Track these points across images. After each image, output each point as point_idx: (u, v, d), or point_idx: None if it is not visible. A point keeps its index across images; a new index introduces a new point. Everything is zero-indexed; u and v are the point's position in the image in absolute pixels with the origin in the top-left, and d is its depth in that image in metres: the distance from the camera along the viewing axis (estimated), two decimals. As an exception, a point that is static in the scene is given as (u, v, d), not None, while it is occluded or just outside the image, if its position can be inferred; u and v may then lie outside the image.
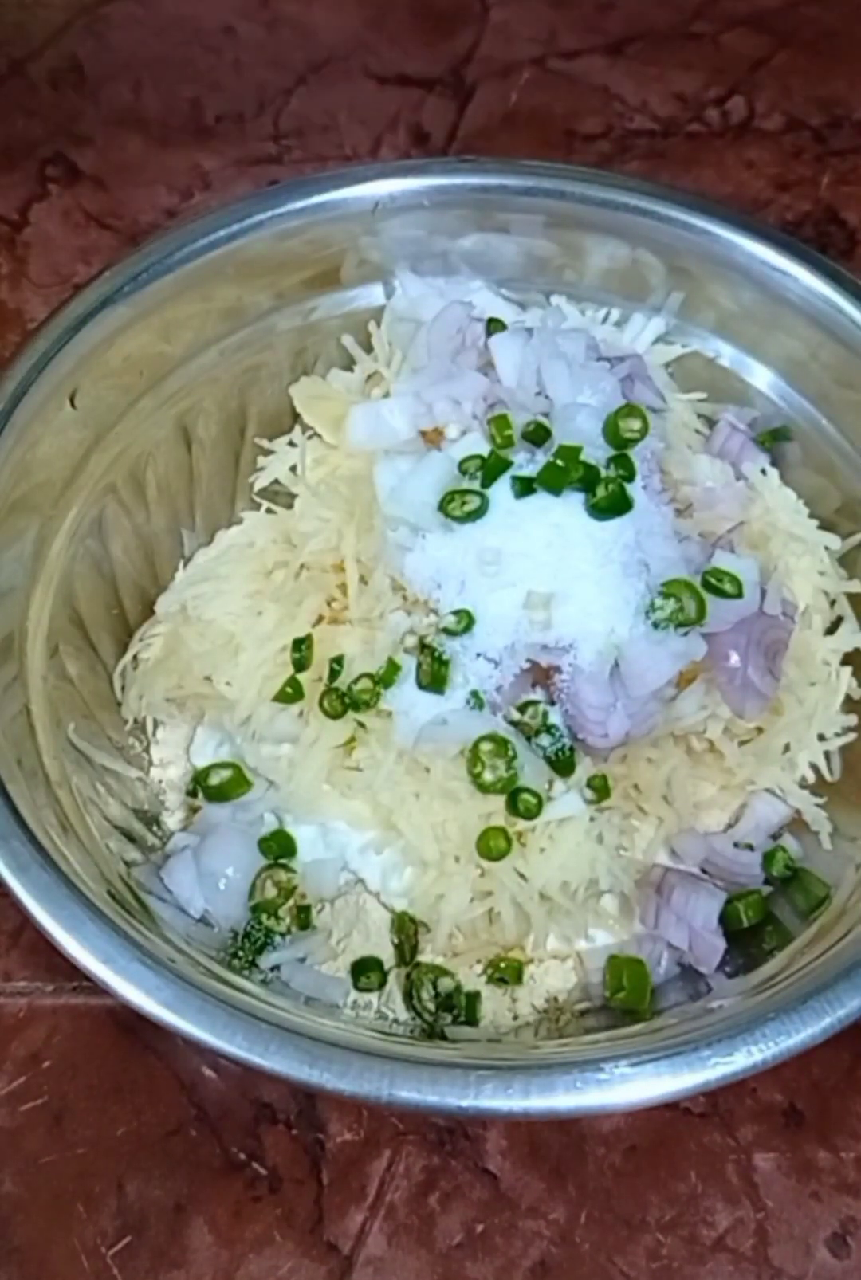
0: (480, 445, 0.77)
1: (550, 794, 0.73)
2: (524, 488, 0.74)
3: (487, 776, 0.71)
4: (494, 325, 0.83)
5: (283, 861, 0.75)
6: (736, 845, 0.76)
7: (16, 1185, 0.70)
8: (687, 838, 0.75)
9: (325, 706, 0.74)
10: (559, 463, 0.73)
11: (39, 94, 1.22)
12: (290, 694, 0.75)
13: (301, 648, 0.75)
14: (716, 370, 0.90)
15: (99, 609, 0.82)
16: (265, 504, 0.86)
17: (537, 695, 0.73)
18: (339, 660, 0.74)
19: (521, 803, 0.72)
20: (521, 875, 0.72)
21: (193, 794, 0.78)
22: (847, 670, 0.81)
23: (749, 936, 0.72)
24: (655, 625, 0.70)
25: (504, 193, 0.88)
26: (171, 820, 0.79)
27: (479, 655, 0.72)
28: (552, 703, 0.72)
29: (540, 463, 0.74)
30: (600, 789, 0.73)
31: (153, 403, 0.85)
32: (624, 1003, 0.70)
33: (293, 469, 0.87)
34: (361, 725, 0.74)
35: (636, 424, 0.76)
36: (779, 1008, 0.60)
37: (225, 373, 0.88)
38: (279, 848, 0.75)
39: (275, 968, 0.72)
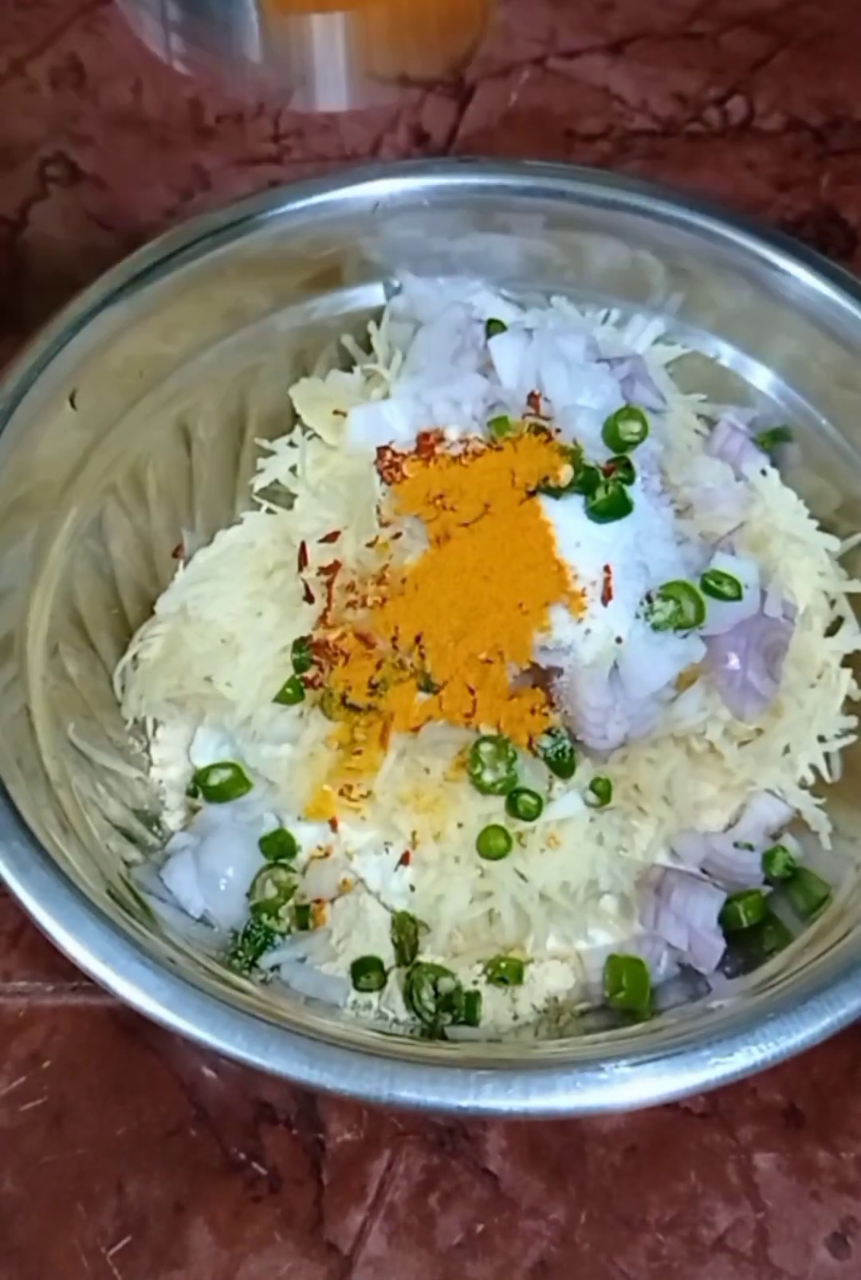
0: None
1: (550, 795, 0.73)
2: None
3: (487, 777, 0.71)
4: (494, 326, 0.82)
5: (283, 861, 0.75)
6: (736, 845, 0.76)
7: (16, 1185, 0.70)
8: (687, 838, 0.75)
9: (325, 707, 0.74)
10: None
11: (39, 94, 1.22)
12: (290, 695, 0.75)
13: (302, 648, 0.75)
14: (716, 370, 0.90)
15: (99, 609, 0.82)
16: (265, 504, 0.86)
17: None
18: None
19: (521, 804, 0.72)
20: (521, 875, 0.72)
21: (193, 794, 0.78)
22: (848, 672, 0.80)
23: (749, 936, 0.72)
24: (654, 627, 0.70)
25: (504, 193, 0.89)
26: (171, 820, 0.79)
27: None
28: (552, 704, 0.72)
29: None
30: (603, 793, 0.73)
31: (153, 403, 0.85)
32: (623, 1003, 0.70)
33: (293, 469, 0.86)
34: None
35: (636, 427, 0.76)
36: (779, 1008, 0.60)
37: (225, 373, 0.88)
38: (279, 848, 0.75)
39: (275, 968, 0.72)
